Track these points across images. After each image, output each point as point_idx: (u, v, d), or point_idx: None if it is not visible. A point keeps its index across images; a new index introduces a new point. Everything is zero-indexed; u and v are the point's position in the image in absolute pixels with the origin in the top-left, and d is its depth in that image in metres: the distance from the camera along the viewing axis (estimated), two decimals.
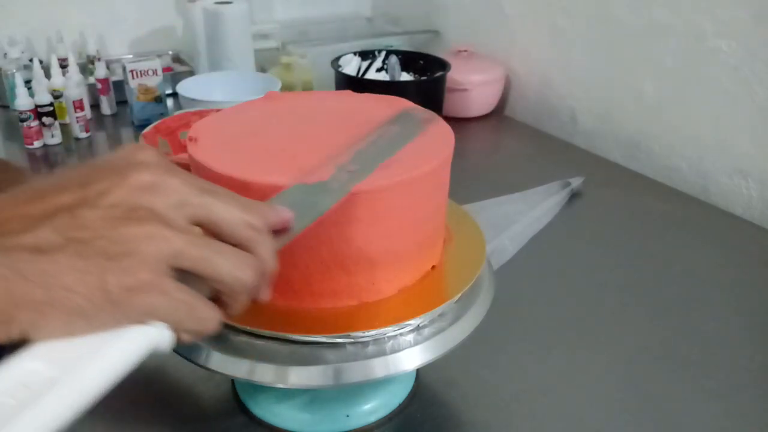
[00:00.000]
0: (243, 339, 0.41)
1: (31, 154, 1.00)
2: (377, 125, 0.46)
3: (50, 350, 0.26)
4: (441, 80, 1.06)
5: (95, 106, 1.14)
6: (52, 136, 1.02)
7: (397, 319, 0.41)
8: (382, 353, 0.40)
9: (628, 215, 0.84)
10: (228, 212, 0.30)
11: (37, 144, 1.01)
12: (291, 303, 0.42)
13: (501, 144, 1.15)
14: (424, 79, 1.09)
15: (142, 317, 0.27)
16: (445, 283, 0.45)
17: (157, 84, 1.08)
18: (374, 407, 0.51)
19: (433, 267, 0.46)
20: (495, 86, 1.16)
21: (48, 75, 1.04)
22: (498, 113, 1.20)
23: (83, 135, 1.05)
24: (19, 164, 0.94)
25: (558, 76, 1.11)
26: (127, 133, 1.09)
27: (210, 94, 1.03)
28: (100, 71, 1.13)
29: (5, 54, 1.13)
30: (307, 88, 1.16)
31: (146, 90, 1.08)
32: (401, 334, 0.41)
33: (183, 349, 0.42)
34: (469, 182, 0.89)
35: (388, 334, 0.41)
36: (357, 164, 0.40)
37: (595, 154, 1.03)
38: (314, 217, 0.36)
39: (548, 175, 0.90)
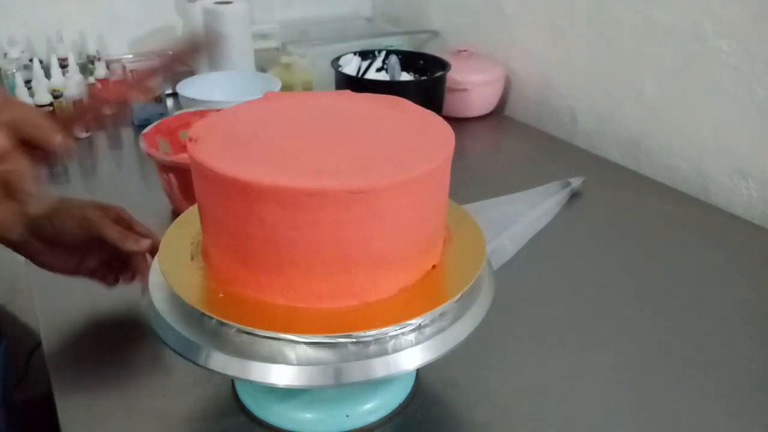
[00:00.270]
0: (243, 339, 0.41)
1: None
2: (373, 126, 0.46)
3: None
4: (441, 80, 1.06)
5: None
6: None
7: (399, 318, 0.41)
8: (384, 353, 0.40)
9: (627, 215, 0.84)
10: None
11: None
12: (292, 303, 0.42)
13: (501, 144, 1.15)
14: (424, 79, 1.09)
15: None
16: (446, 283, 0.45)
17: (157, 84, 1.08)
18: (374, 407, 0.51)
19: (434, 267, 0.46)
20: (495, 86, 1.16)
21: (48, 75, 1.04)
22: (498, 113, 1.20)
23: (83, 135, 1.05)
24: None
25: (558, 76, 1.12)
26: (127, 133, 1.09)
27: (210, 94, 1.03)
28: (100, 71, 1.13)
29: (5, 54, 1.13)
30: (307, 88, 1.16)
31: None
32: (402, 334, 0.42)
33: (183, 349, 0.42)
34: (469, 182, 0.89)
35: (389, 334, 0.41)
36: None
37: (595, 154, 1.03)
38: None
39: (548, 175, 0.90)
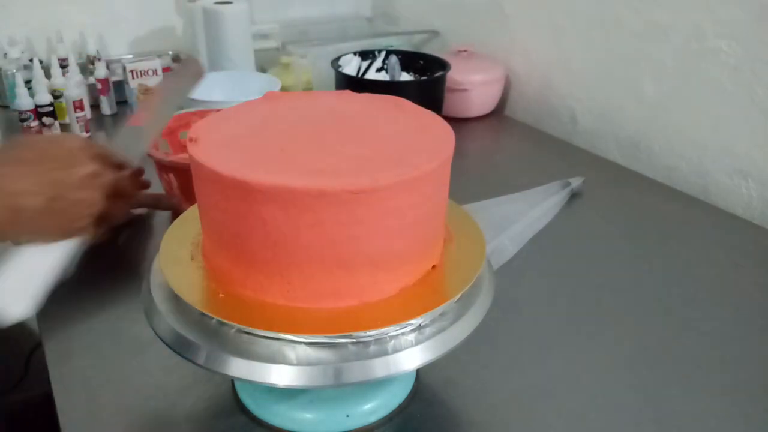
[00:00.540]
0: (243, 339, 0.41)
1: None
2: (373, 126, 0.46)
3: None
4: (441, 80, 1.06)
5: (95, 106, 1.14)
6: None
7: (399, 318, 0.41)
8: (384, 353, 0.40)
9: (627, 215, 0.84)
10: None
11: None
12: (292, 303, 0.42)
13: (501, 144, 1.15)
14: (424, 79, 1.09)
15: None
16: (446, 283, 0.45)
17: (157, 84, 1.08)
18: (374, 407, 0.51)
19: (434, 267, 0.46)
20: (495, 86, 1.16)
21: (48, 75, 1.04)
22: (498, 113, 1.20)
23: (83, 135, 1.05)
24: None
25: (558, 76, 1.12)
26: None
27: (210, 94, 1.03)
28: (100, 71, 1.13)
29: (5, 54, 1.13)
30: (307, 88, 1.16)
31: (146, 90, 1.08)
32: (403, 334, 0.41)
33: (183, 349, 0.42)
34: (469, 182, 0.89)
35: (389, 334, 0.41)
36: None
37: (595, 154, 1.03)
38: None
39: (548, 175, 0.90)
